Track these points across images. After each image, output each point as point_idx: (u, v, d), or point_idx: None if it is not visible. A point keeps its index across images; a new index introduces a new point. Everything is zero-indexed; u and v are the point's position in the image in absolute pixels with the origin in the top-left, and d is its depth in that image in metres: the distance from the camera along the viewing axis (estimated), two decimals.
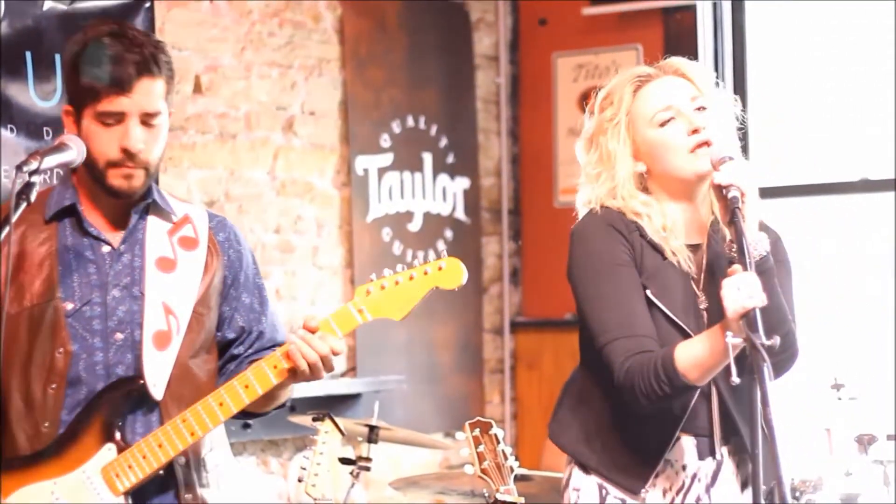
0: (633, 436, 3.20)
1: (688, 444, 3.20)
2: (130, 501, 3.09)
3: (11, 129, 4.52)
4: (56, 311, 3.11)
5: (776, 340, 2.80)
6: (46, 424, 3.11)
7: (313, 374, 3.08)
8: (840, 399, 4.40)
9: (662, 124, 3.18)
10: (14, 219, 2.91)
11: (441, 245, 6.15)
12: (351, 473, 4.43)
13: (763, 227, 3.15)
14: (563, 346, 6.14)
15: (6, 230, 2.91)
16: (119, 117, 3.08)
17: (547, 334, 6.35)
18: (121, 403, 3.11)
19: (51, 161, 3.03)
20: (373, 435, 4.42)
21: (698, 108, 3.19)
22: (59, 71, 4.62)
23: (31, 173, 2.97)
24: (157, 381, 3.11)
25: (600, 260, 3.17)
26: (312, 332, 3.07)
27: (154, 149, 3.12)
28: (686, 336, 3.11)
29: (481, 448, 3.22)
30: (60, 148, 3.09)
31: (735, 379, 2.84)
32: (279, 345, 3.27)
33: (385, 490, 5.09)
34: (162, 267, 3.17)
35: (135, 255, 3.18)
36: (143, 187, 3.15)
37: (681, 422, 3.15)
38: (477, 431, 3.25)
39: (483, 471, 3.21)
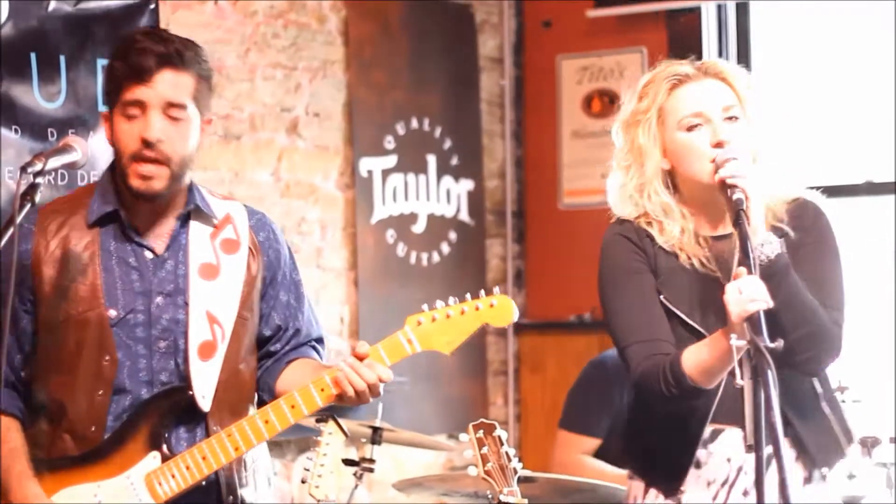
0: (660, 440, 3.22)
1: (733, 436, 3.19)
2: None
3: (16, 130, 4.52)
4: (101, 319, 3.13)
5: (780, 343, 2.79)
6: (93, 428, 3.13)
7: (360, 400, 3.14)
8: (843, 402, 4.39)
9: (690, 129, 3.18)
10: (18, 219, 2.91)
11: (445, 247, 6.15)
12: (354, 475, 4.42)
13: (802, 203, 3.19)
14: (567, 349, 6.13)
15: (10, 231, 2.91)
16: (141, 107, 3.07)
17: (551, 337, 6.33)
18: (168, 413, 3.14)
19: (55, 162, 3.04)
20: (376, 436, 4.42)
21: (729, 118, 3.18)
22: (63, 72, 4.62)
23: (36, 175, 2.97)
24: (205, 393, 3.15)
25: (616, 270, 3.23)
26: (361, 359, 3.11)
27: (178, 145, 3.10)
28: (703, 338, 3.12)
29: (485, 450, 3.22)
30: (65, 149, 3.09)
31: (739, 381, 2.84)
32: (316, 340, 3.35)
33: (388, 491, 5.08)
34: (205, 275, 3.19)
35: (178, 263, 3.19)
36: (166, 189, 3.13)
37: (706, 421, 3.16)
38: (480, 433, 3.25)
39: (487, 472, 3.20)
